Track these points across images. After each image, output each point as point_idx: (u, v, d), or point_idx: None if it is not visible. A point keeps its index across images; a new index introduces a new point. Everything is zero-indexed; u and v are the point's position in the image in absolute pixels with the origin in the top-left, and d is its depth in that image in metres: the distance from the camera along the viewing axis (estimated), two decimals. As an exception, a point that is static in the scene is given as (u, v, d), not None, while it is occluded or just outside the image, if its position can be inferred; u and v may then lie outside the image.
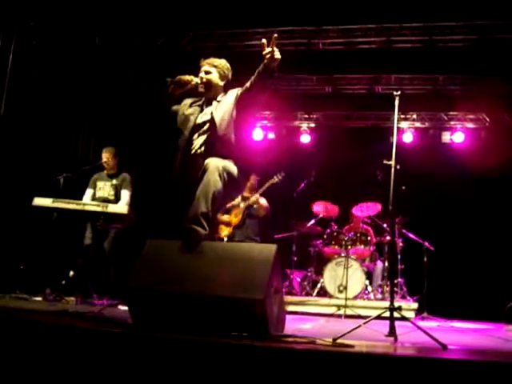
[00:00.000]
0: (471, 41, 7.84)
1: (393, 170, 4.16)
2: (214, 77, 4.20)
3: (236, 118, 4.06)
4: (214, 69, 4.21)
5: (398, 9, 7.53)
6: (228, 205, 6.96)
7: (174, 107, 4.30)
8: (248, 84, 3.98)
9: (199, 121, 4.14)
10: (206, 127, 4.10)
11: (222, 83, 4.22)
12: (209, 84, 4.17)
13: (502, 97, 8.91)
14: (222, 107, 4.11)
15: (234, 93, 4.15)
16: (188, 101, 4.33)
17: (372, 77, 9.31)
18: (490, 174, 8.64)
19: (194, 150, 4.06)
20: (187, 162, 4.05)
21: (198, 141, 4.08)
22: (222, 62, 4.27)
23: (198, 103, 4.27)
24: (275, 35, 3.64)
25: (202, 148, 4.04)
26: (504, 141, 8.93)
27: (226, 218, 7.20)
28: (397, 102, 4.32)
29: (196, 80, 4.14)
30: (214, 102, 4.18)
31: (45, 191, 6.22)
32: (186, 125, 4.16)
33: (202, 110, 4.20)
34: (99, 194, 6.83)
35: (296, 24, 8.12)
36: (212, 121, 4.06)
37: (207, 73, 4.19)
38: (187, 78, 4.11)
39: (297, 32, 8.23)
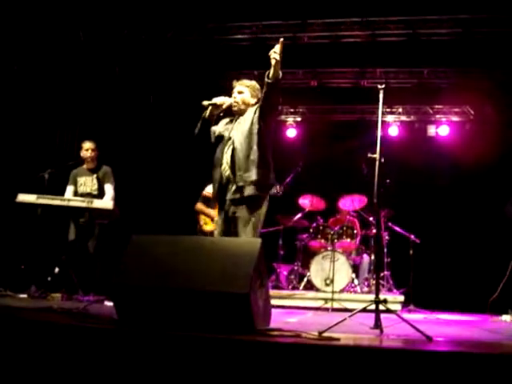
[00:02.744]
0: (455, 34, 7.85)
1: (377, 163, 4.17)
2: (247, 96, 4.51)
3: (263, 131, 4.32)
4: (246, 89, 4.53)
5: (382, 2, 7.54)
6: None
7: (213, 127, 4.55)
8: (263, 96, 4.29)
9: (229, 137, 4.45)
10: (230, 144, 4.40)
11: (253, 101, 4.51)
12: (242, 103, 4.49)
13: (486, 90, 8.96)
14: (242, 125, 4.40)
15: (253, 109, 4.42)
16: (225, 120, 4.62)
17: (357, 70, 9.30)
18: (475, 166, 8.69)
19: (223, 167, 4.37)
20: (221, 179, 4.37)
21: (227, 157, 4.37)
22: (253, 83, 4.61)
23: (232, 121, 4.57)
24: (281, 39, 4.12)
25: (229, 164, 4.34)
26: (488, 133, 8.99)
27: (212, 212, 7.16)
28: (381, 96, 4.33)
29: (230, 100, 4.46)
30: (237, 121, 4.48)
31: (29, 187, 6.17)
32: (220, 143, 4.47)
33: (232, 128, 4.49)
34: (81, 189, 6.74)
35: (281, 18, 8.09)
36: (232, 142, 4.38)
37: (240, 93, 4.51)
38: (222, 99, 4.44)
39: (282, 26, 8.19)
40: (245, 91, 4.51)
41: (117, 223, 6.51)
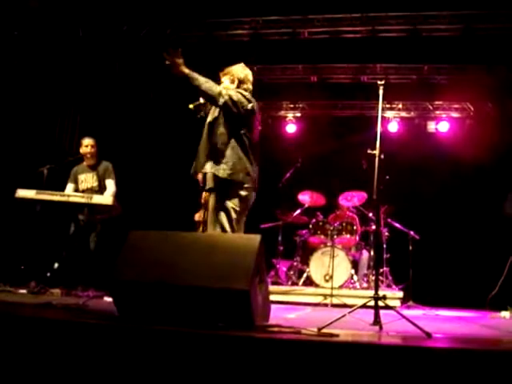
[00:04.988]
0: (456, 30, 7.84)
1: (377, 159, 4.17)
2: (226, 84, 4.59)
3: (228, 122, 4.41)
4: (225, 77, 4.64)
5: (383, -2, 7.55)
6: None
7: None
8: None
9: None
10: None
11: (232, 86, 4.56)
12: None
13: (486, 86, 8.95)
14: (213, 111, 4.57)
15: None
16: None
17: (357, 66, 9.29)
18: (475, 163, 8.69)
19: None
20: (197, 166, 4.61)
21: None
22: (231, 68, 4.64)
23: None
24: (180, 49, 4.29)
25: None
26: (488, 130, 8.99)
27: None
28: (381, 92, 4.32)
29: None
30: None
31: (28, 183, 6.16)
32: None
33: None
34: (82, 186, 6.73)
35: (281, 13, 8.07)
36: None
37: (222, 83, 4.61)
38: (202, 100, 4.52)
39: (282, 21, 8.19)
40: (224, 80, 4.59)
41: (117, 219, 6.50)
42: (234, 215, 4.29)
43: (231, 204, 4.30)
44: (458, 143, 9.38)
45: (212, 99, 4.32)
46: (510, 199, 6.60)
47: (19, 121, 7.78)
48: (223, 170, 4.29)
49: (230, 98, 4.29)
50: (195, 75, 4.26)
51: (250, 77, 4.63)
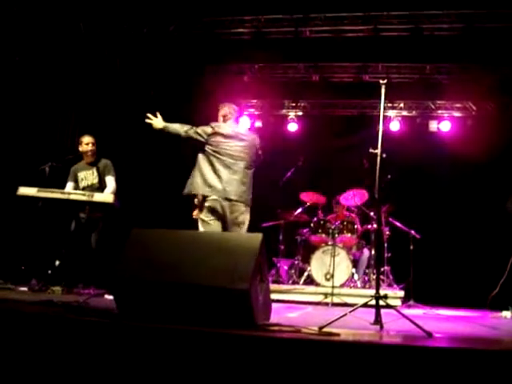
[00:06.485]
0: (458, 30, 7.82)
1: (379, 158, 4.16)
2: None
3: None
4: None
5: (385, -3, 7.53)
6: None
7: None
8: None
9: None
10: None
11: (221, 120, 5.52)
12: None
13: (488, 85, 8.94)
14: None
15: None
16: None
17: (359, 65, 9.28)
18: (476, 162, 8.68)
19: None
20: None
21: None
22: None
23: None
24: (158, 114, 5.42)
25: None
26: (490, 129, 8.98)
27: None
28: (383, 91, 4.32)
29: None
30: None
31: (30, 180, 6.16)
32: None
33: None
34: (83, 184, 6.71)
35: (283, 12, 8.06)
36: None
37: None
38: None
39: (284, 20, 8.17)
40: None
41: (119, 217, 6.50)
42: (199, 226, 5.18)
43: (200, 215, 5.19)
44: (459, 142, 9.36)
45: (178, 136, 5.30)
46: None
47: (21, 119, 7.78)
48: (187, 189, 5.17)
49: (195, 131, 5.27)
50: (164, 126, 5.32)
51: (232, 109, 5.53)
